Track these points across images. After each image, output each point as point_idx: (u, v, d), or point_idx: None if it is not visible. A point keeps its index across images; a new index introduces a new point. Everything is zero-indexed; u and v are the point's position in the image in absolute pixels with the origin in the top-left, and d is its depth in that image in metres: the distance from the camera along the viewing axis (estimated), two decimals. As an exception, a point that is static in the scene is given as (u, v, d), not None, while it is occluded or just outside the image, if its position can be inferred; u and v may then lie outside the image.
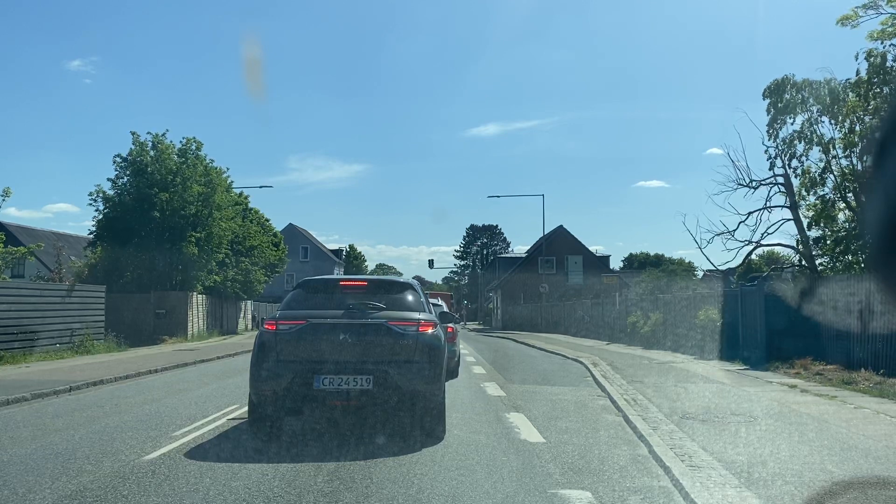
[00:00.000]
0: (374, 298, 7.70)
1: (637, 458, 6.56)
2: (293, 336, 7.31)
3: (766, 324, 15.23)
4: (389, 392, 7.15)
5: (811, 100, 20.98)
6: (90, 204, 29.52)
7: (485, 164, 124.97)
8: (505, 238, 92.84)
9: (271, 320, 7.59)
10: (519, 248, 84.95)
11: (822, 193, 20.94)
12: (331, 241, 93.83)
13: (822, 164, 20.92)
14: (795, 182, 21.81)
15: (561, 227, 55.73)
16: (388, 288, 8.21)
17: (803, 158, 21.54)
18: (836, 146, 20.29)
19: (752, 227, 24.44)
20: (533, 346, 26.78)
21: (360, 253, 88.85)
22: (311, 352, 7.23)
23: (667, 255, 70.01)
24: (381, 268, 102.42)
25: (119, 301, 26.27)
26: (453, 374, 13.75)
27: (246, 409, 8.23)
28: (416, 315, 7.62)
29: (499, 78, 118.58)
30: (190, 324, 30.38)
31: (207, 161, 31.01)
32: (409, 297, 7.95)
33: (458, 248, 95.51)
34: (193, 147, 30.74)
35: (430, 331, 7.48)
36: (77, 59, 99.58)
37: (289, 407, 7.46)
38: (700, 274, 45.77)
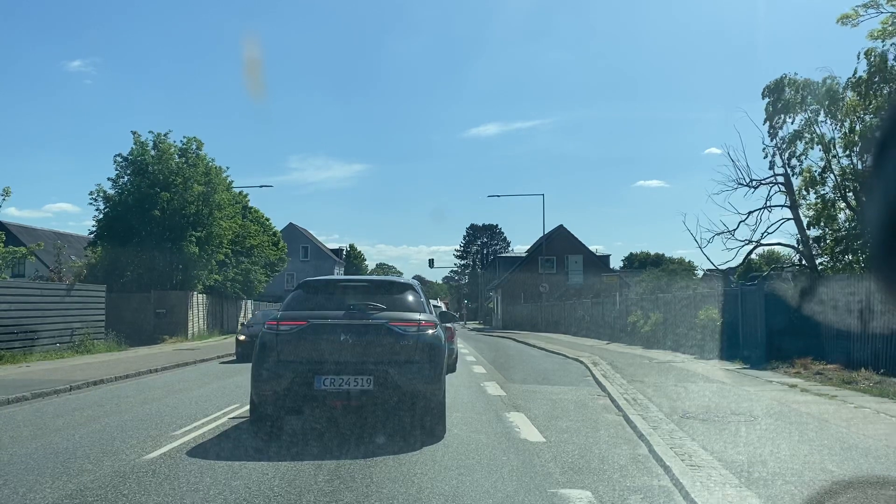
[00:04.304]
0: (374, 299, 7.71)
1: (637, 458, 6.56)
2: (294, 336, 7.32)
3: (767, 323, 15.23)
4: (390, 392, 7.16)
5: (810, 99, 20.97)
6: (90, 203, 29.57)
7: (485, 164, 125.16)
8: (505, 238, 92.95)
9: (272, 320, 7.60)
10: (519, 247, 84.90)
11: (822, 193, 20.96)
12: (331, 241, 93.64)
13: (822, 164, 20.93)
14: (795, 181, 21.83)
15: (561, 226, 55.71)
16: (388, 288, 8.22)
17: (803, 158, 21.57)
18: (837, 145, 20.28)
19: (752, 227, 24.40)
20: (533, 346, 26.78)
21: (360, 253, 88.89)
22: (311, 352, 7.23)
23: (667, 254, 70.18)
24: (381, 267, 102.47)
25: (119, 300, 26.27)
26: (451, 368, 13.81)
27: (246, 408, 8.25)
28: (416, 315, 7.63)
29: (499, 78, 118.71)
30: (190, 323, 30.38)
31: (208, 160, 31.03)
32: (410, 298, 7.96)
33: (458, 247, 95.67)
34: (194, 147, 30.71)
35: (430, 331, 7.49)
36: (77, 59, 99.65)
37: (289, 407, 7.48)
38: (700, 273, 45.65)
